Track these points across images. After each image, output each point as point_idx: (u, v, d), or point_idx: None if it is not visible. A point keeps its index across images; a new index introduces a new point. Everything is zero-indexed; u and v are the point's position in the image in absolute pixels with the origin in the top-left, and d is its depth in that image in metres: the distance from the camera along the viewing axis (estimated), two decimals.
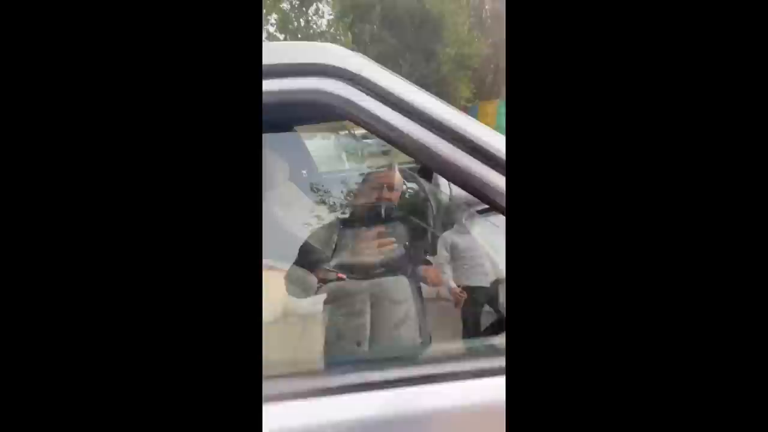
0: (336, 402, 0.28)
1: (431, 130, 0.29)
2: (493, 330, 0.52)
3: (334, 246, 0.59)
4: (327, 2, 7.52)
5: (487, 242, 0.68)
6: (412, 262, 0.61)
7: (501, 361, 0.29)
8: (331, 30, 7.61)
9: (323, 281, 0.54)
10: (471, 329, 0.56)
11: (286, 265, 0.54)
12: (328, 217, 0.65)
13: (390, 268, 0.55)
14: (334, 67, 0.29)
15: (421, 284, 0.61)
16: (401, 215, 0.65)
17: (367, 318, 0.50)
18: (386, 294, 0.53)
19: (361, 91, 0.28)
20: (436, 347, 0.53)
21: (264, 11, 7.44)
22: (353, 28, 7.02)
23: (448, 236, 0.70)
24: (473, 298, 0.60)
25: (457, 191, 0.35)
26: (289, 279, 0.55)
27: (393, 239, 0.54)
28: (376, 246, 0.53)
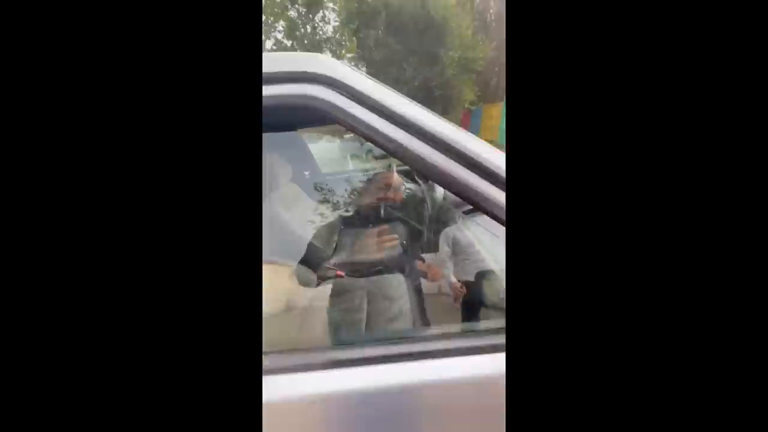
0: (338, 375, 0.31)
1: (407, 132, 0.32)
2: (473, 316, 0.54)
3: (334, 245, 0.62)
4: (333, 9, 7.67)
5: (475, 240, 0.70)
6: (409, 260, 0.63)
7: (479, 341, 0.32)
8: (337, 36, 7.76)
9: (322, 278, 0.56)
10: (469, 320, 0.58)
11: (288, 262, 0.57)
12: (332, 215, 0.67)
13: (388, 266, 0.57)
14: (322, 75, 0.32)
15: (422, 280, 0.63)
16: (400, 215, 0.67)
17: (364, 314, 0.52)
18: (382, 291, 0.54)
19: (346, 97, 0.32)
20: (425, 329, 0.55)
21: (272, 19, 7.64)
22: (358, 33, 7.14)
23: (450, 232, 0.71)
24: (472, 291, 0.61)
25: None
26: (297, 276, 0.57)
27: (396, 236, 0.55)
28: (381, 243, 0.54)
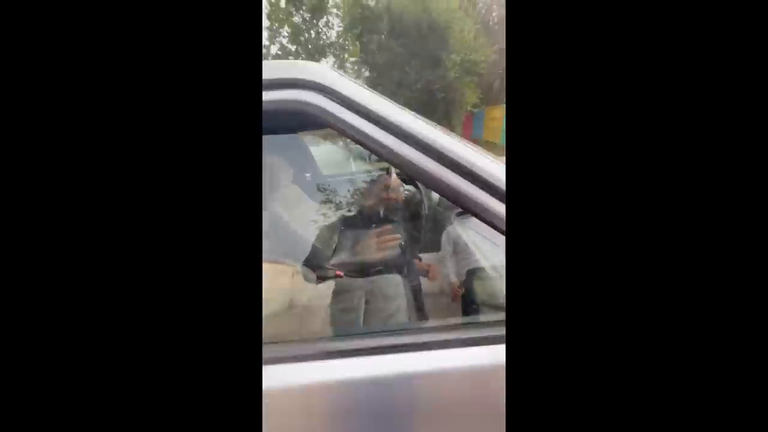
0: (337, 364, 0.33)
1: (394, 136, 0.34)
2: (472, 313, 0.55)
3: (334, 246, 0.63)
4: (337, 15, 7.79)
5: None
6: (408, 260, 0.64)
7: (466, 334, 0.34)
8: (340, 40, 7.86)
9: (322, 278, 0.58)
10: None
11: (289, 261, 0.59)
12: (334, 215, 0.69)
13: (386, 266, 0.58)
14: (314, 82, 0.34)
15: (422, 279, 0.64)
16: (398, 215, 0.69)
17: (361, 312, 0.53)
18: (380, 291, 0.56)
19: (336, 102, 0.34)
20: (419, 323, 0.56)
21: (276, 24, 7.79)
22: (362, 38, 7.23)
23: (452, 231, 0.72)
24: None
25: None
26: (303, 275, 0.59)
27: (398, 235, 0.57)
28: (384, 242, 0.56)
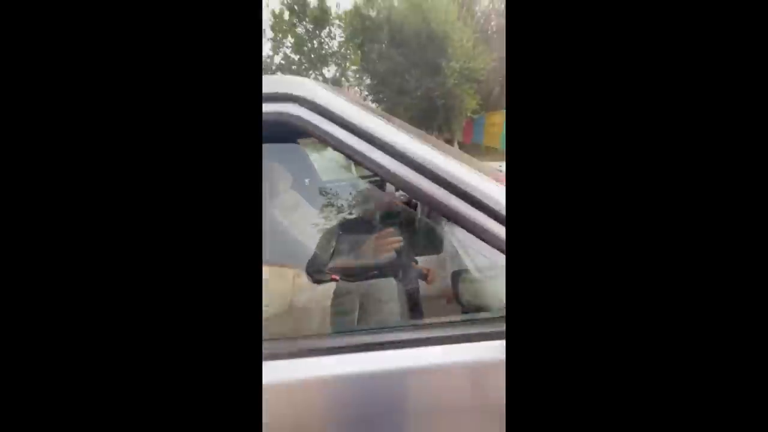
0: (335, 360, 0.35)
1: (370, 144, 0.37)
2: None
3: (332, 251, 0.65)
4: (339, 26, 8.02)
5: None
6: (403, 263, 0.66)
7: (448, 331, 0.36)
8: (342, 50, 8.07)
9: (318, 282, 0.60)
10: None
11: (287, 264, 0.61)
12: (336, 218, 0.72)
13: (381, 270, 0.60)
14: (299, 95, 0.37)
15: (421, 282, 0.66)
16: (394, 220, 0.71)
17: (355, 315, 0.55)
18: (375, 294, 0.57)
19: (319, 114, 0.37)
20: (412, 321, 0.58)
21: (280, 35, 8.02)
22: (363, 47, 7.41)
23: (452, 231, 0.74)
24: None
25: None
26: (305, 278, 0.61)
27: (400, 237, 0.58)
28: (387, 244, 0.57)
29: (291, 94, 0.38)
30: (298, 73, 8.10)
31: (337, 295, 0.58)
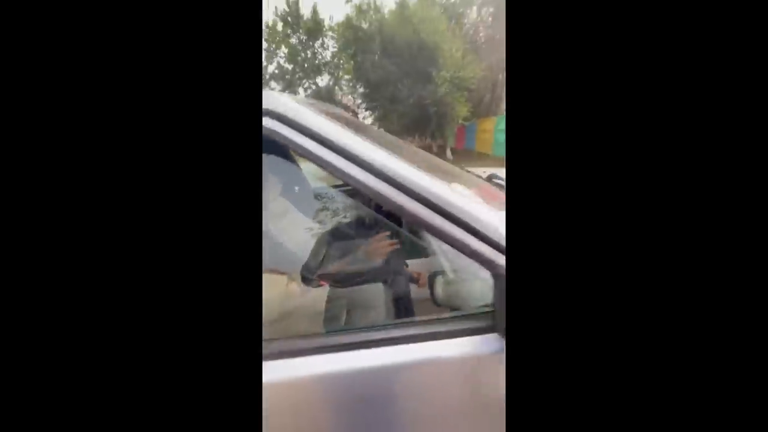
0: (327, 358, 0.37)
1: (341, 156, 0.39)
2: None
3: (321, 257, 0.67)
4: (332, 36, 8.19)
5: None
6: (391, 268, 0.68)
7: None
8: (335, 60, 8.22)
9: (308, 287, 0.61)
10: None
11: (279, 269, 0.62)
12: (330, 222, 0.73)
13: (372, 275, 0.62)
14: (274, 111, 0.40)
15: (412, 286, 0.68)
16: (383, 225, 0.73)
17: (342, 321, 0.56)
18: (362, 300, 0.58)
19: (294, 129, 0.39)
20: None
21: (274, 46, 8.14)
22: (356, 57, 7.57)
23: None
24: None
25: None
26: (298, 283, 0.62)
27: (395, 241, 0.60)
28: (384, 247, 0.59)
29: (268, 109, 0.40)
30: (291, 82, 8.20)
31: (328, 300, 0.60)
